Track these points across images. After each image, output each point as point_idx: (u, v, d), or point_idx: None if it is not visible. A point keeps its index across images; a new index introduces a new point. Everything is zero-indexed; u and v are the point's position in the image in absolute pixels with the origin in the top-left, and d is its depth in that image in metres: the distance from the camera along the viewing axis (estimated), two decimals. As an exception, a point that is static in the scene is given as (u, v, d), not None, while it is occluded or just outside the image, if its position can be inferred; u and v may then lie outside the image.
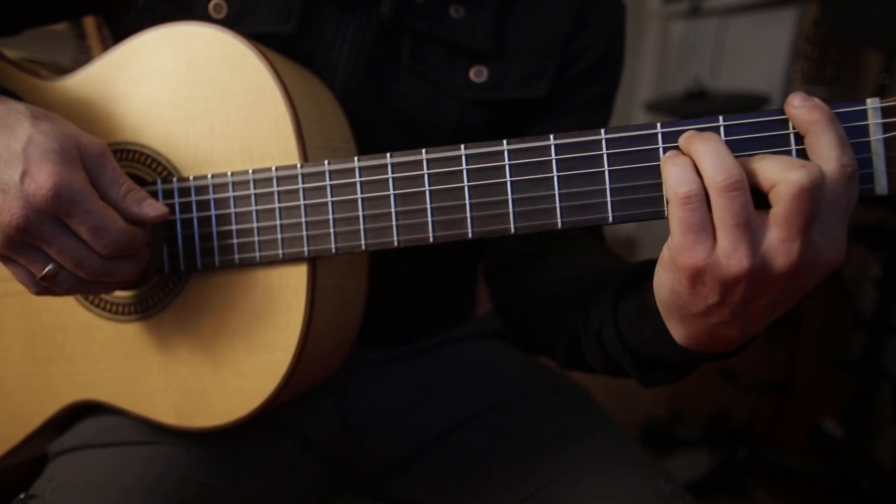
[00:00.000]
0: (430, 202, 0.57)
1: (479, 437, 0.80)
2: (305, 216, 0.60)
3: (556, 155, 0.53)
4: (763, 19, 2.52)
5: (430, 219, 0.57)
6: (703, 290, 0.47)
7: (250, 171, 0.62)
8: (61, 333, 0.70)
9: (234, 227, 0.63)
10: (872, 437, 1.81)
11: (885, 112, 0.47)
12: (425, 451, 0.82)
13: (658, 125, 0.51)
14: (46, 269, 0.56)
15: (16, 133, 0.54)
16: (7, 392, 0.72)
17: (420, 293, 0.87)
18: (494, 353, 0.92)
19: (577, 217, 0.53)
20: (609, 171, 0.52)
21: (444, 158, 0.56)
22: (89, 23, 1.67)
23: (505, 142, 0.54)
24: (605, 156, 0.52)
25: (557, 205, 0.53)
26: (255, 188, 0.62)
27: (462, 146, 0.55)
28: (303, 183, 0.60)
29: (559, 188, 0.53)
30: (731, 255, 0.45)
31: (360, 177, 0.59)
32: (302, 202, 0.60)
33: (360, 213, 0.59)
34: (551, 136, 0.53)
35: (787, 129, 0.49)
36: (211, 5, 0.72)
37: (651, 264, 0.57)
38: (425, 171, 0.57)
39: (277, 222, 0.61)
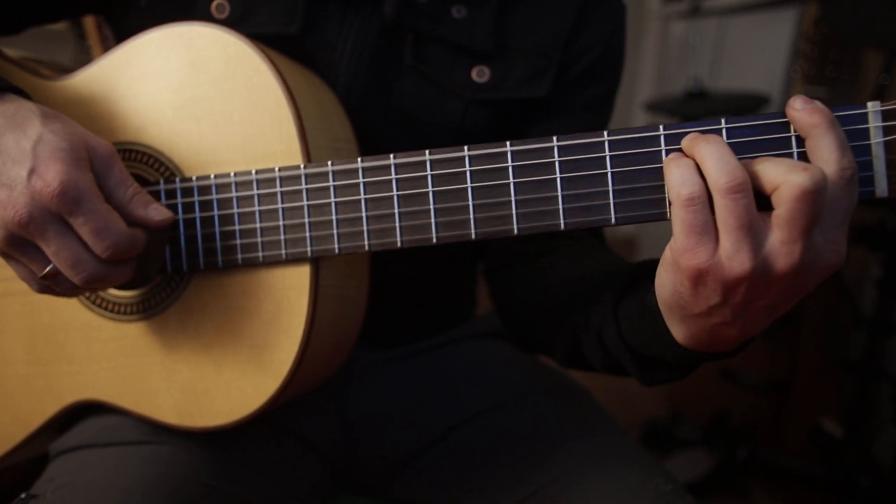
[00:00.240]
0: (434, 203, 0.57)
1: (479, 436, 0.81)
2: (309, 217, 0.61)
3: (559, 156, 0.53)
4: (763, 19, 2.53)
5: (433, 220, 0.57)
6: (705, 290, 0.47)
7: (253, 172, 0.62)
8: (63, 333, 0.70)
9: (236, 227, 0.63)
10: (873, 437, 1.81)
11: (886, 115, 0.47)
12: (426, 451, 0.82)
13: (661, 127, 0.51)
14: (48, 269, 0.56)
15: (26, 131, 0.54)
16: (8, 392, 0.72)
17: (420, 293, 0.87)
18: (495, 352, 0.92)
19: (580, 218, 0.53)
20: (612, 172, 0.52)
21: (448, 160, 0.56)
22: (89, 23, 1.67)
23: (508, 143, 0.54)
24: (607, 157, 0.52)
25: (560, 206, 0.54)
26: (258, 188, 0.62)
27: (465, 147, 0.56)
28: (306, 183, 0.60)
29: (562, 190, 0.53)
30: (733, 256, 0.45)
31: (364, 177, 0.59)
32: (305, 203, 0.61)
33: (364, 214, 0.59)
34: (554, 138, 0.53)
35: (789, 131, 0.49)
36: (213, 5, 0.72)
37: (652, 264, 0.57)
38: (429, 172, 0.57)
39: (280, 223, 0.61)
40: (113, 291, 0.68)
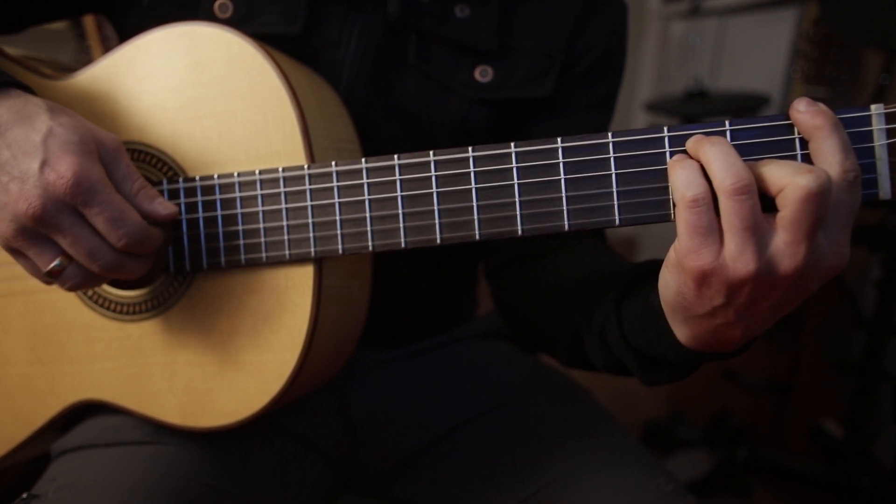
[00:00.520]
0: (438, 204, 0.57)
1: (480, 436, 0.81)
2: (312, 217, 0.60)
3: (563, 158, 0.53)
4: (763, 19, 2.53)
5: (437, 220, 0.57)
6: (709, 292, 0.47)
7: (257, 172, 0.62)
8: (64, 333, 0.70)
9: (240, 227, 0.63)
10: (873, 437, 1.81)
11: (889, 118, 0.48)
12: (427, 452, 0.82)
13: (665, 129, 0.51)
14: (52, 265, 0.56)
15: (35, 125, 0.55)
16: (9, 391, 0.72)
17: (421, 293, 0.87)
18: (495, 353, 0.92)
19: (584, 220, 0.53)
20: (616, 174, 0.52)
21: (452, 160, 0.56)
22: (89, 22, 1.67)
23: (513, 144, 0.54)
24: (612, 159, 0.52)
25: (565, 207, 0.53)
26: (261, 189, 0.62)
27: (470, 148, 0.55)
28: (310, 184, 0.60)
29: (566, 191, 0.53)
30: (737, 257, 0.45)
31: (368, 178, 0.59)
32: (309, 203, 0.60)
33: (368, 215, 0.59)
34: (559, 139, 0.53)
35: (793, 133, 0.49)
36: (216, 5, 0.72)
37: (654, 264, 0.57)
38: (433, 172, 0.57)
39: (284, 223, 0.61)
40: (115, 291, 0.68)
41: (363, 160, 0.59)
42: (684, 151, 0.50)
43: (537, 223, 0.54)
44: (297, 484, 0.77)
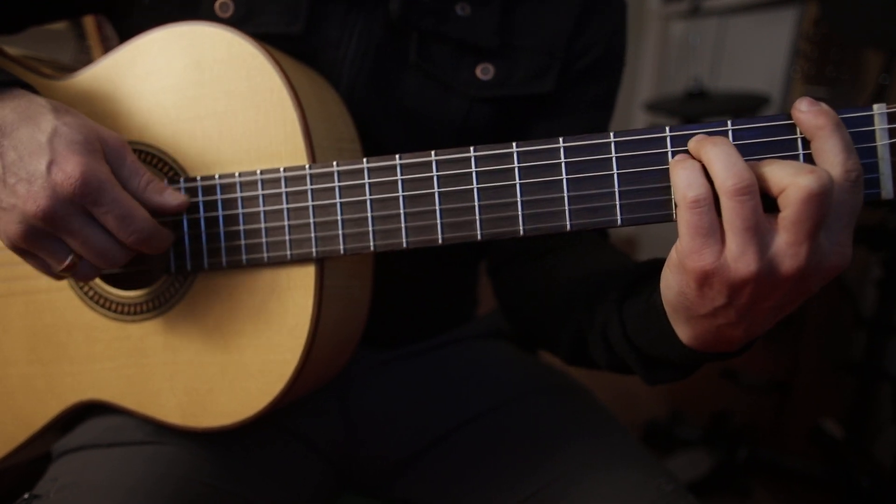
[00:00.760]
0: (439, 204, 0.57)
1: (481, 436, 0.81)
2: (314, 217, 0.60)
3: (565, 157, 0.53)
4: (763, 19, 2.53)
5: (438, 220, 0.57)
6: (711, 292, 0.47)
7: (258, 172, 0.62)
8: (65, 333, 0.70)
9: (241, 227, 0.62)
10: (873, 438, 1.81)
11: (891, 118, 0.48)
12: (427, 451, 0.82)
13: (667, 129, 0.51)
14: (64, 264, 0.56)
15: (39, 125, 0.55)
16: (10, 392, 0.72)
17: (422, 293, 0.87)
18: (496, 352, 0.92)
19: (586, 220, 0.53)
20: (618, 173, 0.52)
21: (454, 160, 0.56)
22: (89, 22, 1.67)
23: (514, 144, 0.54)
24: (614, 159, 0.52)
25: (566, 207, 0.53)
26: (262, 189, 0.62)
27: (472, 148, 0.55)
28: (311, 184, 0.60)
29: (568, 190, 0.53)
30: (739, 258, 0.45)
31: (369, 178, 0.59)
32: (310, 203, 0.60)
33: (369, 215, 0.59)
34: (560, 139, 0.53)
35: (795, 133, 0.49)
36: (217, 4, 0.72)
37: (656, 263, 0.57)
38: (434, 172, 0.57)
39: (285, 223, 0.61)
40: (116, 291, 0.68)
41: (364, 160, 0.59)
42: (686, 151, 0.50)
43: (539, 223, 0.54)
44: (298, 484, 0.77)
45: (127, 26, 0.76)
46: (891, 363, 1.68)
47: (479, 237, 0.56)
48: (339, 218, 0.60)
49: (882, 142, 0.48)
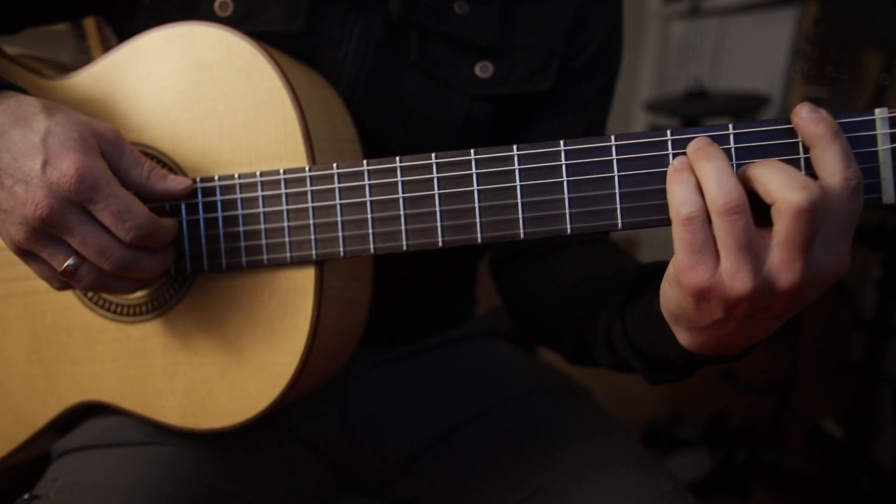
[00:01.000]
0: (440, 206, 0.56)
1: (480, 436, 0.81)
2: (314, 219, 0.60)
3: (565, 160, 0.53)
4: (763, 19, 2.52)
5: (439, 223, 0.57)
6: (708, 307, 0.47)
7: (258, 173, 0.62)
8: (65, 334, 0.70)
9: (241, 228, 0.62)
10: (873, 438, 1.81)
11: (893, 122, 0.47)
12: (427, 452, 0.82)
13: (668, 132, 0.51)
14: (66, 264, 0.56)
15: (32, 125, 0.54)
16: (10, 392, 0.72)
17: (421, 293, 0.87)
18: (495, 352, 0.92)
19: (586, 223, 0.53)
20: (619, 176, 0.52)
21: (454, 162, 0.56)
22: (89, 23, 1.67)
23: (515, 146, 0.54)
24: (615, 161, 0.52)
25: (567, 210, 0.53)
26: (262, 190, 0.62)
27: (472, 150, 0.55)
28: (311, 185, 0.60)
29: (569, 193, 0.53)
30: (734, 275, 0.45)
31: (370, 180, 0.58)
32: (310, 204, 0.60)
33: (369, 217, 0.59)
34: (561, 142, 0.53)
35: (796, 137, 0.49)
36: (217, 4, 0.72)
37: (658, 265, 0.57)
38: (434, 174, 0.56)
39: (285, 224, 0.61)
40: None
41: (365, 162, 0.58)
42: (686, 154, 0.50)
43: (539, 226, 0.54)
44: (298, 485, 0.77)
45: (127, 26, 0.76)
46: (890, 364, 1.68)
47: (479, 240, 0.56)
48: (339, 220, 0.60)
49: (883, 146, 0.48)
